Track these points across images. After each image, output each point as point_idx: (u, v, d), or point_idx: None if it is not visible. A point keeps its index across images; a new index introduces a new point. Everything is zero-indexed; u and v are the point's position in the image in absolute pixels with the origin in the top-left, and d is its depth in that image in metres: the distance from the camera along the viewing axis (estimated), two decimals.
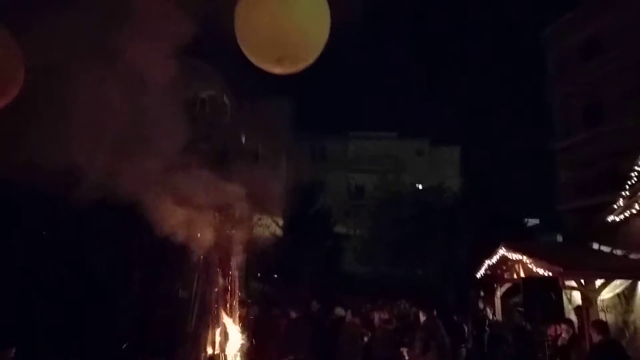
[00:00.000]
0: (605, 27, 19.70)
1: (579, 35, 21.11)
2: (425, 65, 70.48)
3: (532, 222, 24.11)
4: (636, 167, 10.25)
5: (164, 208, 5.26)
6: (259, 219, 15.01)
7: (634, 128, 16.75)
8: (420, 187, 29.30)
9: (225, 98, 20.93)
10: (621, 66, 18.56)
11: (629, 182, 10.30)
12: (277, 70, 2.35)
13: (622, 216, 10.52)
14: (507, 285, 12.96)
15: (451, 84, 67.33)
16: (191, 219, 5.61)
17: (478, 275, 13.62)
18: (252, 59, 2.31)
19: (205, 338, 6.00)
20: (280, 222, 18.84)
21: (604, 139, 18.74)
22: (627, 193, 10.36)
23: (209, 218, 5.83)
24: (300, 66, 2.38)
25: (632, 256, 9.81)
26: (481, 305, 12.29)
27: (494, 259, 12.44)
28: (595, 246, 11.26)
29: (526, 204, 22.83)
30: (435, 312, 8.46)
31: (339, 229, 23.23)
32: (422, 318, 8.42)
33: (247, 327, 7.19)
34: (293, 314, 9.88)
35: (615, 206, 10.72)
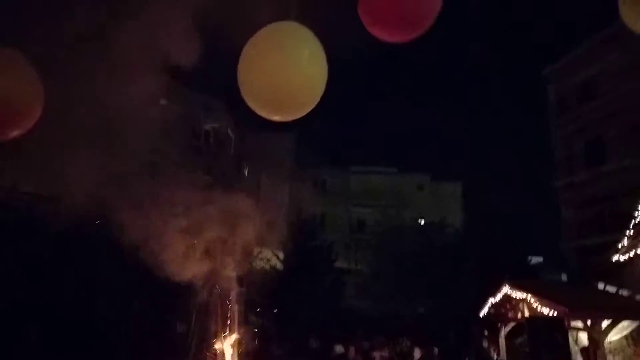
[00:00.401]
0: (603, 69, 20.03)
1: (578, 76, 21.45)
2: (428, 100, 71.45)
3: (536, 260, 23.83)
4: (639, 207, 10.21)
5: (163, 237, 5.22)
6: (259, 252, 14.88)
7: (634, 168, 16.79)
8: (422, 222, 29.15)
9: (229, 130, 21.15)
10: (619, 107, 18.78)
11: (632, 222, 10.24)
12: (277, 118, 2.51)
13: (627, 256, 10.39)
14: (511, 325, 12.68)
15: (453, 119, 68.03)
16: (191, 250, 5.55)
17: (481, 314, 13.35)
18: (254, 109, 2.47)
19: None
20: (281, 256, 18.65)
21: (605, 178, 18.76)
22: (631, 232, 10.27)
23: (209, 249, 5.78)
24: (299, 115, 2.54)
25: (639, 297, 9.64)
26: (485, 345, 12.00)
27: (498, 297, 12.22)
28: (601, 286, 11.08)
29: (530, 242, 22.60)
30: (436, 351, 8.27)
31: (340, 263, 22.98)
32: (417, 356, 8.22)
33: None
34: (276, 350, 9.71)
35: (619, 246, 10.61)
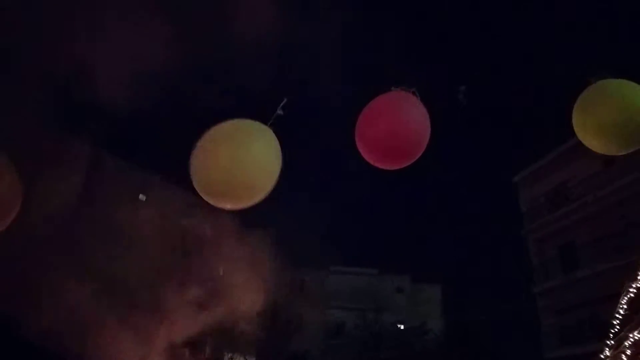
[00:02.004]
0: (572, 176, 21.02)
1: (548, 183, 22.43)
2: (409, 204, 72.94)
3: None
4: (617, 315, 10.12)
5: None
6: (231, 358, 14.07)
7: (608, 274, 16.95)
8: (401, 327, 28.27)
9: (207, 228, 20.95)
10: (590, 214, 19.43)
11: (612, 331, 10.08)
12: (228, 206, 2.55)
13: None
14: None
15: (434, 221, 68.97)
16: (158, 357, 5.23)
17: None
18: (204, 197, 2.51)
19: None
20: None
21: (580, 283, 18.85)
22: (612, 342, 10.07)
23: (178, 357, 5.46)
24: (249, 204, 2.58)
25: None
26: None
27: None
28: None
29: (512, 350, 22.00)
30: None
31: None
32: None
33: None
34: None
35: (602, 356, 10.33)
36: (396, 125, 2.55)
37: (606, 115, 2.73)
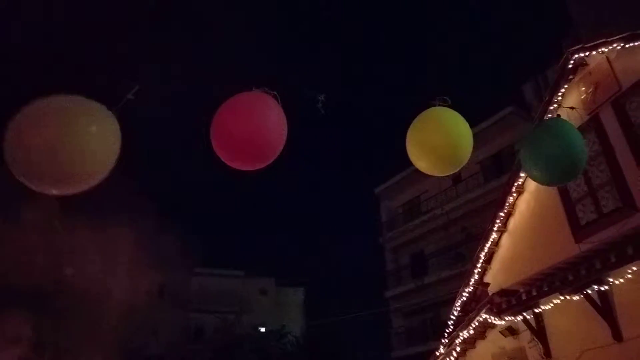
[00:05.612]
0: (423, 191, 23.26)
1: (403, 196, 24.49)
2: (274, 208, 73.71)
3: None
4: (452, 316, 11.35)
5: None
6: None
7: (449, 280, 19.04)
8: (262, 330, 28.40)
9: (57, 221, 18.92)
10: (437, 226, 21.63)
11: (446, 330, 11.27)
12: (54, 192, 2.26)
13: None
14: None
15: (300, 227, 70.63)
16: None
17: None
18: (23, 182, 2.20)
19: None
20: None
21: (427, 288, 20.85)
22: (446, 340, 11.25)
23: None
24: (77, 189, 2.32)
25: None
26: None
27: None
28: None
29: (365, 350, 23.43)
30: None
31: None
32: None
33: None
34: None
35: (437, 353, 11.48)
36: (252, 125, 2.57)
37: (432, 139, 3.03)
